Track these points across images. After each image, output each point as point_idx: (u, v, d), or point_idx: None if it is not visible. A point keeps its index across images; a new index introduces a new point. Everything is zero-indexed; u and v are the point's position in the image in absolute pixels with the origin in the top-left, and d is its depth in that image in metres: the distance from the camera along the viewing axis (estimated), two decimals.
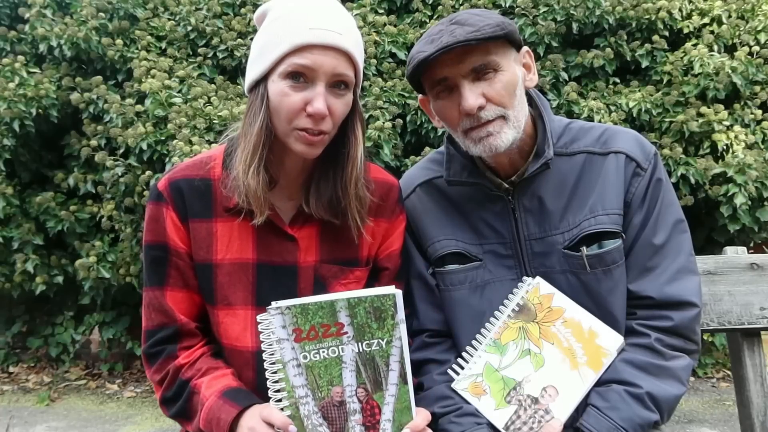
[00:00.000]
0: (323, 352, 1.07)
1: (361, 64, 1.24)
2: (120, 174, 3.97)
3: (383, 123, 3.82)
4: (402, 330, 1.09)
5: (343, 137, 1.26)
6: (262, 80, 1.21)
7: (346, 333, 1.07)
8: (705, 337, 4.42)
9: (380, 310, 1.08)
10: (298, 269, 1.28)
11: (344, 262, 1.31)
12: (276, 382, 1.07)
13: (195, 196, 1.26)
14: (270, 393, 1.08)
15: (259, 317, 1.08)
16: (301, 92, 1.17)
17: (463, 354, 1.32)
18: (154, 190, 1.28)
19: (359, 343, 1.08)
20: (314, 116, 1.16)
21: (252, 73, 1.23)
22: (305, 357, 1.06)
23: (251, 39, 1.28)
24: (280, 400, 1.07)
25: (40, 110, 4.15)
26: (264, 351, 1.07)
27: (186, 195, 1.26)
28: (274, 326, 1.06)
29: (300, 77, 1.17)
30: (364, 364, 1.08)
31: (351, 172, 1.25)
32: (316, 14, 1.17)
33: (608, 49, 4.24)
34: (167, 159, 3.75)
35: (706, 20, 4.38)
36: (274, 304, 1.06)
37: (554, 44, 4.28)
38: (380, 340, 1.08)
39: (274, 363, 1.07)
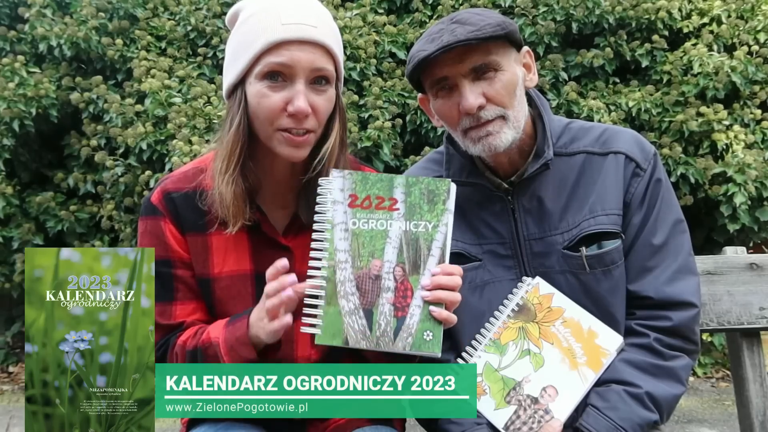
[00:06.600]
0: (372, 222, 1.10)
1: (340, 57, 1.20)
2: (120, 174, 3.97)
3: (383, 123, 3.82)
4: (449, 219, 1.11)
5: (324, 136, 1.22)
6: (240, 84, 1.17)
7: (398, 209, 1.11)
8: (704, 337, 4.43)
9: (434, 193, 1.11)
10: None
11: None
12: (320, 241, 1.10)
13: (188, 209, 1.22)
14: (311, 254, 1.09)
15: (320, 180, 1.12)
16: (281, 92, 1.13)
17: (463, 354, 1.31)
18: (148, 204, 1.24)
19: (407, 222, 1.10)
20: (296, 115, 1.13)
21: (228, 77, 1.19)
22: (354, 223, 1.10)
23: None
24: (320, 259, 1.09)
25: (39, 110, 4.15)
26: (317, 213, 1.10)
27: (180, 208, 1.22)
28: (332, 187, 1.10)
29: (278, 76, 1.13)
30: (407, 243, 1.10)
31: (329, 171, 1.22)
32: (288, 9, 1.14)
33: (608, 49, 4.24)
34: (167, 159, 3.75)
35: (706, 20, 4.38)
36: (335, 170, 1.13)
37: (554, 44, 4.28)
38: (427, 223, 1.11)
39: (323, 223, 1.10)
